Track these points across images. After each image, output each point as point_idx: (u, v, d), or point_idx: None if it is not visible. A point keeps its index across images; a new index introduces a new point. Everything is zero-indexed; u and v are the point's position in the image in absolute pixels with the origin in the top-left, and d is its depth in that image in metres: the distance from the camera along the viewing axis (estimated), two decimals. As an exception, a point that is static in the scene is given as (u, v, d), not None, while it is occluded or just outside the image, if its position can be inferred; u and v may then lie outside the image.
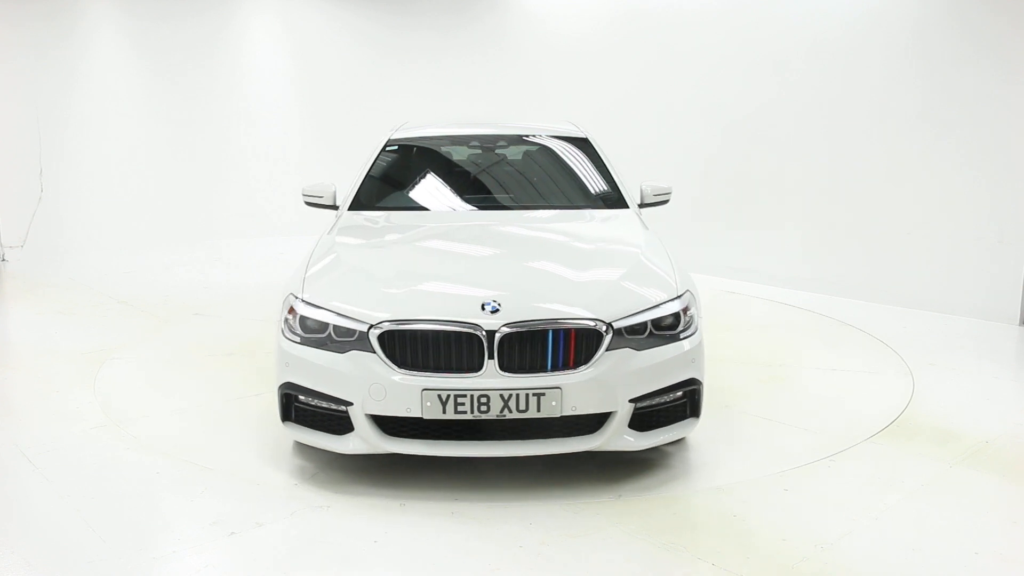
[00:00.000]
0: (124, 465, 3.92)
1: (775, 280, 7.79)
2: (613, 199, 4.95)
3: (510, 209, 4.93)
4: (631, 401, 3.54)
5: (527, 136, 5.57)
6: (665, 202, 5.14)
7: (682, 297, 3.77)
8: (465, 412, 3.41)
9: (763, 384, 5.06)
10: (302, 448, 4.00)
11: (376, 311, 3.55)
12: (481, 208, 4.93)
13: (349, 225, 4.66)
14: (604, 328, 3.49)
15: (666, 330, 3.65)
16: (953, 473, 3.86)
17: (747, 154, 8.03)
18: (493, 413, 3.41)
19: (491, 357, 3.42)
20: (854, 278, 7.36)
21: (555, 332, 3.46)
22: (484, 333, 3.42)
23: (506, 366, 3.43)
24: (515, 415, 3.41)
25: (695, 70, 8.28)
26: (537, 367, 3.45)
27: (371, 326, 3.50)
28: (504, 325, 3.43)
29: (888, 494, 3.63)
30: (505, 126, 5.74)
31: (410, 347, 3.47)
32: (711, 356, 5.60)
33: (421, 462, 3.84)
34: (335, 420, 3.60)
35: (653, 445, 3.66)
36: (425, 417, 3.43)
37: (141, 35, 9.69)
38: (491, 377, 3.41)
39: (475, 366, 3.43)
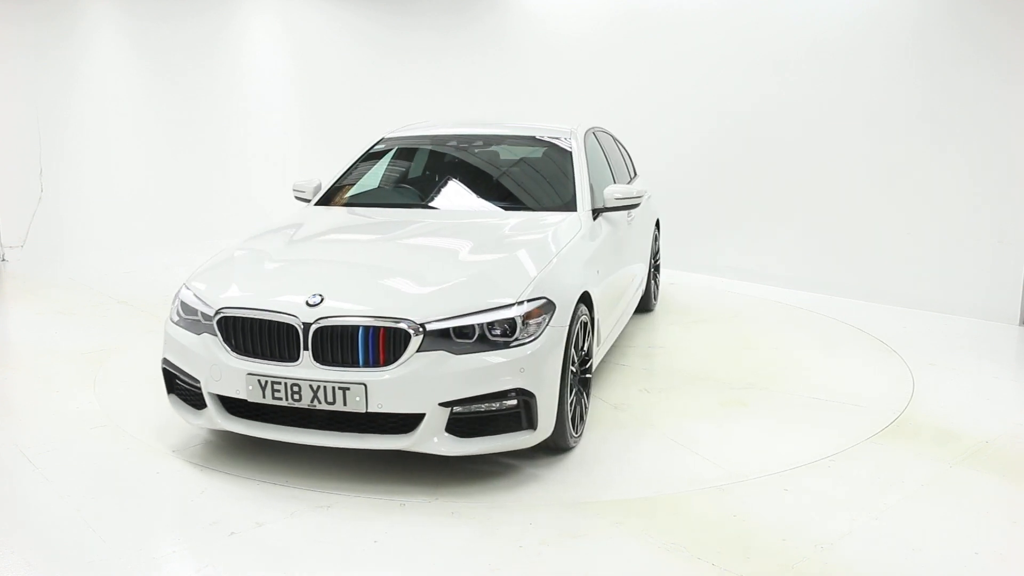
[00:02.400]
0: (124, 465, 3.92)
1: (775, 280, 7.78)
2: (566, 202, 4.85)
3: (456, 210, 4.94)
4: (444, 405, 3.48)
5: (510, 138, 5.54)
6: (634, 206, 4.91)
7: (526, 303, 3.62)
8: (281, 399, 3.57)
9: (723, 406, 4.90)
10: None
11: (222, 297, 3.79)
12: (427, 208, 5.00)
13: (292, 221, 4.79)
14: (415, 329, 3.48)
15: (500, 336, 3.56)
16: (953, 473, 3.86)
17: (746, 154, 8.03)
18: (304, 402, 3.55)
19: (306, 348, 3.54)
20: (854, 278, 7.36)
21: (365, 329, 3.52)
22: (301, 325, 3.54)
23: (321, 358, 3.54)
24: (324, 407, 3.52)
25: (695, 70, 8.28)
26: (349, 362, 3.51)
27: (216, 311, 3.73)
28: (319, 319, 3.53)
29: (888, 494, 3.63)
30: (498, 127, 5.71)
31: (242, 333, 3.68)
32: (704, 357, 5.64)
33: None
34: (196, 396, 3.86)
35: (474, 452, 3.58)
36: (249, 400, 3.64)
37: (141, 35, 9.68)
38: (306, 368, 3.55)
39: (293, 356, 3.57)
